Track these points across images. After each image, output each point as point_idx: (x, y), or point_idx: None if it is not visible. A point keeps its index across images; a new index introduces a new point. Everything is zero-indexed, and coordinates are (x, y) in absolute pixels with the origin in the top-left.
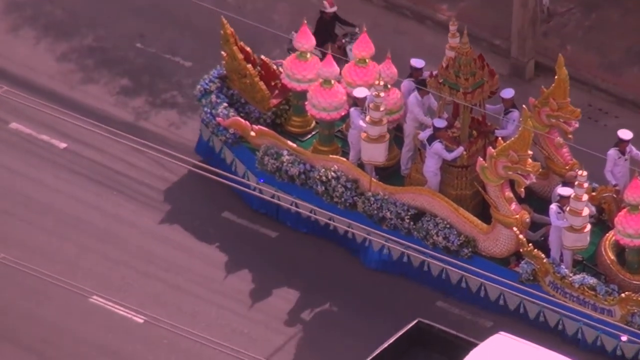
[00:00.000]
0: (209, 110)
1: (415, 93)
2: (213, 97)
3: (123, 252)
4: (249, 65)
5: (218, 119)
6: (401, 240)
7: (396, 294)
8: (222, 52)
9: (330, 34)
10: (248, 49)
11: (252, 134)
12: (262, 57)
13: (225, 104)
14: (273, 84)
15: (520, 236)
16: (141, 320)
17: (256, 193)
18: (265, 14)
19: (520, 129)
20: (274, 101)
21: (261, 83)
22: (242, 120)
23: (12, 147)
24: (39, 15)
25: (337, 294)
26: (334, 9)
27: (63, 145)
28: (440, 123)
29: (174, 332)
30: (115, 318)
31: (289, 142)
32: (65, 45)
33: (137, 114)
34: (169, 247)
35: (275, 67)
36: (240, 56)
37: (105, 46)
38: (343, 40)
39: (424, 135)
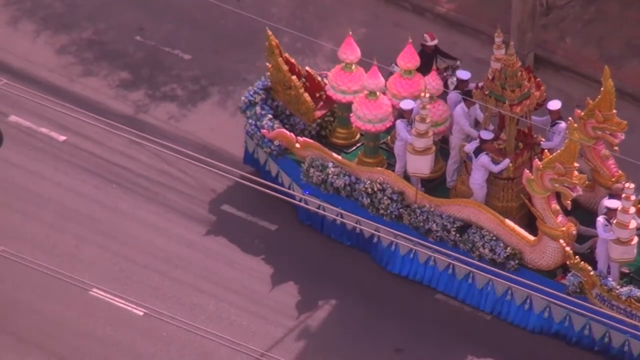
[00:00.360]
0: (253, 122)
1: (462, 104)
2: (258, 108)
3: (122, 245)
4: (294, 77)
5: (263, 130)
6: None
7: (395, 287)
8: (267, 64)
9: (431, 67)
10: (293, 60)
11: (297, 145)
12: (307, 68)
13: (270, 116)
14: (318, 95)
15: (567, 248)
16: (141, 313)
17: (302, 204)
18: (265, 7)
19: (566, 141)
20: (319, 113)
21: (306, 95)
22: (287, 132)
23: (12, 140)
24: (38, 8)
25: (336, 287)
26: (435, 42)
27: (62, 138)
28: (487, 135)
29: (174, 325)
30: (115, 310)
31: (334, 154)
32: (64, 38)
33: (137, 107)
34: (168, 239)
35: (320, 78)
36: (285, 68)
37: (104, 39)
38: (445, 73)
39: (470, 147)
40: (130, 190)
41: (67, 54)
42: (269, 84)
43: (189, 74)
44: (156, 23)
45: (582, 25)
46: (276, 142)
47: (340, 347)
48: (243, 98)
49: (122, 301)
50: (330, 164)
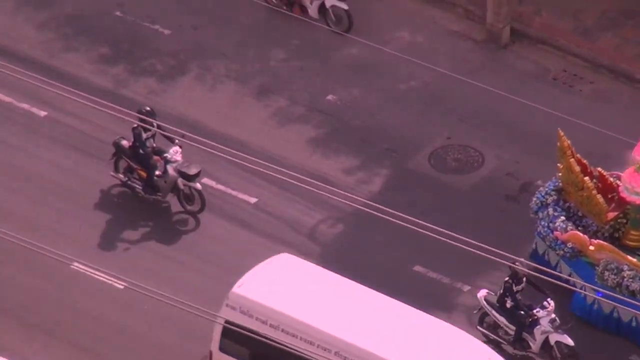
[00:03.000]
0: (546, 224)
1: None
2: (550, 210)
3: (104, 219)
4: (586, 178)
5: (556, 232)
6: None
7: (373, 258)
8: (558, 164)
9: None
10: (584, 161)
11: (591, 248)
12: (599, 169)
13: (562, 218)
14: (610, 196)
15: None
16: (121, 286)
17: (600, 297)
18: None
19: None
20: (612, 214)
21: (599, 196)
22: (581, 234)
23: None
24: None
25: (316, 258)
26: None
27: (43, 113)
28: None
29: (154, 298)
30: (96, 284)
31: (629, 257)
32: (45, 14)
33: (117, 82)
34: (149, 213)
35: (612, 179)
36: (577, 169)
37: (85, 14)
38: None
39: None
40: (111, 165)
41: (48, 29)
42: (561, 185)
43: (169, 48)
44: None
45: None
46: (569, 244)
47: None
48: (534, 199)
49: (103, 275)
50: (626, 267)
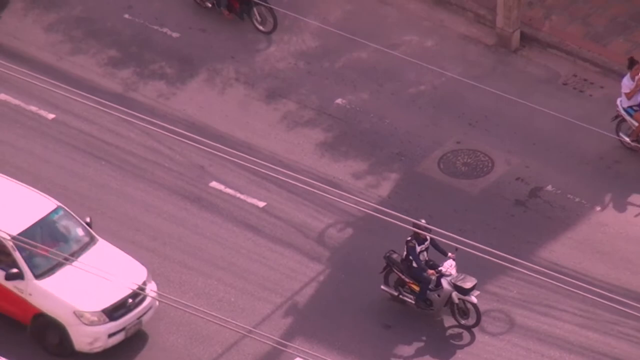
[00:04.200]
0: None
1: None
2: None
3: (111, 222)
4: None
5: None
6: None
7: (381, 261)
8: None
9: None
10: None
11: None
12: None
13: None
14: None
15: None
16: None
17: None
18: None
19: None
20: None
21: None
22: None
23: (1, 118)
24: None
25: (325, 264)
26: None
27: (51, 115)
28: None
29: (162, 302)
30: None
31: None
32: (53, 16)
33: (126, 85)
34: (156, 216)
35: None
36: None
37: (93, 17)
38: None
39: None
40: (119, 168)
41: (56, 31)
42: None
43: (177, 52)
44: (145, 1)
45: (567, 2)
46: None
47: (327, 323)
48: None
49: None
50: None
